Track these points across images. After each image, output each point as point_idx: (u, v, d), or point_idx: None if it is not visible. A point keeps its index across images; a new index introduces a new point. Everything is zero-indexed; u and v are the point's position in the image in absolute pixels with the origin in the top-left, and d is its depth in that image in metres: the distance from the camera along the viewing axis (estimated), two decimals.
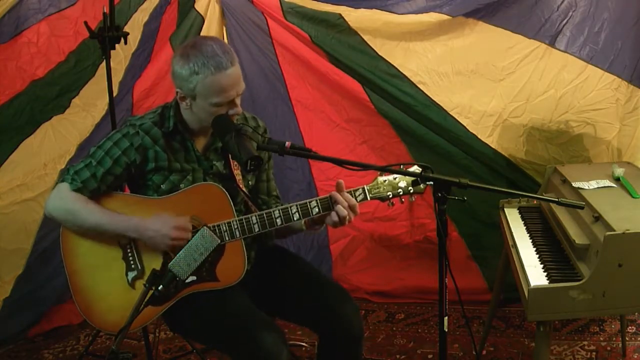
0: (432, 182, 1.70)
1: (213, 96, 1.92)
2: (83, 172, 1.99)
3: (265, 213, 1.97)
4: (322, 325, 2.10)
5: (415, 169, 1.88)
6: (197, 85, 1.91)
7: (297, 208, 1.97)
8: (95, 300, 2.00)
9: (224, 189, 1.99)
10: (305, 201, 1.98)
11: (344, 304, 2.06)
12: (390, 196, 2.01)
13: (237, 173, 2.14)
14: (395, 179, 2.00)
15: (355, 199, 1.99)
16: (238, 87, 1.96)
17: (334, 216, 1.95)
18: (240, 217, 1.97)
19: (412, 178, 1.96)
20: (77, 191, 1.98)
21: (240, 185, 2.12)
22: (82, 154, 2.81)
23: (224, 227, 1.96)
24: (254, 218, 1.97)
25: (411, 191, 2.00)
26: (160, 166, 2.02)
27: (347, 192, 1.98)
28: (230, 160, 2.12)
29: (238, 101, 1.98)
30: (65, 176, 2.01)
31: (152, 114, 2.06)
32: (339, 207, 1.94)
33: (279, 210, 1.97)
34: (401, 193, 2.01)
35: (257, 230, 1.98)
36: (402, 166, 1.86)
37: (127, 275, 2.00)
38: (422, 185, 1.97)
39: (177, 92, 1.98)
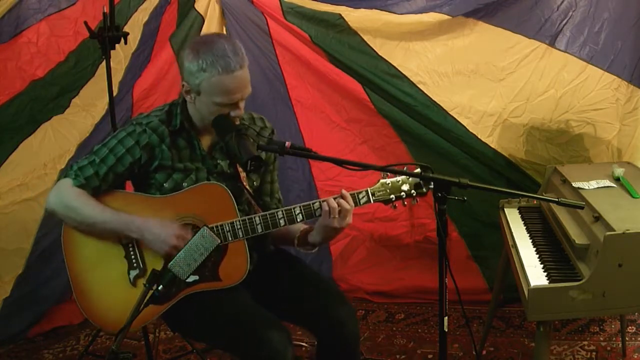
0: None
1: (217, 96, 1.92)
2: (86, 169, 1.99)
3: (269, 214, 1.97)
4: (318, 328, 2.10)
5: None
6: (203, 82, 1.91)
7: (301, 209, 1.97)
8: (96, 299, 2.01)
9: (228, 189, 1.99)
10: (308, 202, 1.98)
11: (338, 306, 2.05)
12: (394, 199, 2.00)
13: (242, 171, 2.13)
14: (398, 182, 2.00)
15: (359, 202, 1.98)
16: (244, 90, 1.95)
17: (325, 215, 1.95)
18: (244, 218, 1.97)
19: (415, 181, 1.97)
20: (79, 187, 1.98)
21: (245, 184, 2.12)
22: (82, 154, 2.81)
23: (227, 227, 1.96)
24: (257, 219, 1.97)
25: (414, 194, 2.00)
26: (163, 164, 2.02)
27: (351, 194, 1.97)
28: None
29: (242, 104, 1.98)
30: (69, 172, 2.01)
31: (158, 112, 2.06)
32: (324, 204, 1.94)
33: (282, 212, 1.97)
34: (404, 196, 2.00)
35: (260, 230, 1.97)
36: (403, 166, 1.86)
37: (129, 274, 1.99)
38: (424, 189, 1.98)
39: (182, 85, 1.98)
